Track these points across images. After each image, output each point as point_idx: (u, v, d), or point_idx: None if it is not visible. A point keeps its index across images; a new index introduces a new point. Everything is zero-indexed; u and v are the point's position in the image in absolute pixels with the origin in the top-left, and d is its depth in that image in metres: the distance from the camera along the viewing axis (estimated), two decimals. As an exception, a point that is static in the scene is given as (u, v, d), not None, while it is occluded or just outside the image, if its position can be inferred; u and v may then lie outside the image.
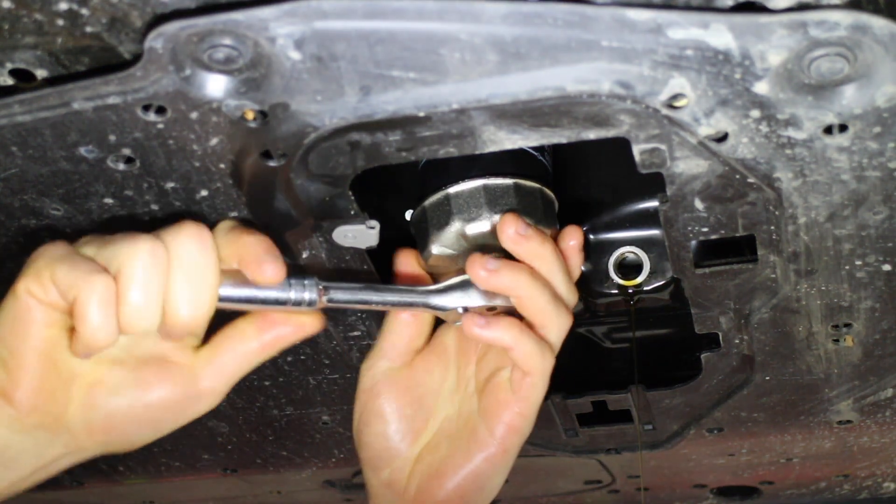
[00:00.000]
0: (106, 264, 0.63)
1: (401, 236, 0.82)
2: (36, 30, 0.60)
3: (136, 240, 0.64)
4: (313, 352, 0.96)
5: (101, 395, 0.68)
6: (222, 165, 0.68)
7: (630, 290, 0.95)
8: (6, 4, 0.58)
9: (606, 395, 1.05)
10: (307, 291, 0.69)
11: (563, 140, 0.68)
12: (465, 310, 0.75)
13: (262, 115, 0.64)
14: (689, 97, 0.62)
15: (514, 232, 0.74)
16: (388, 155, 0.69)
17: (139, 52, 0.60)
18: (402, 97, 0.63)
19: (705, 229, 0.75)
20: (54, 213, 0.73)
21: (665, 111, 0.63)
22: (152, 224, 0.72)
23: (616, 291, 0.96)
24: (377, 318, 0.89)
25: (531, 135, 0.68)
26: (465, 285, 0.76)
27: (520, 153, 0.77)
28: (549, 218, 0.79)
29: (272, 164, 0.68)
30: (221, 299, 0.67)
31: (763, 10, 0.58)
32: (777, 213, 0.73)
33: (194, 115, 0.63)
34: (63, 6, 0.58)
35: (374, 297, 0.74)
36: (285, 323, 0.71)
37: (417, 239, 0.80)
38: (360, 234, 0.77)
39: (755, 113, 0.63)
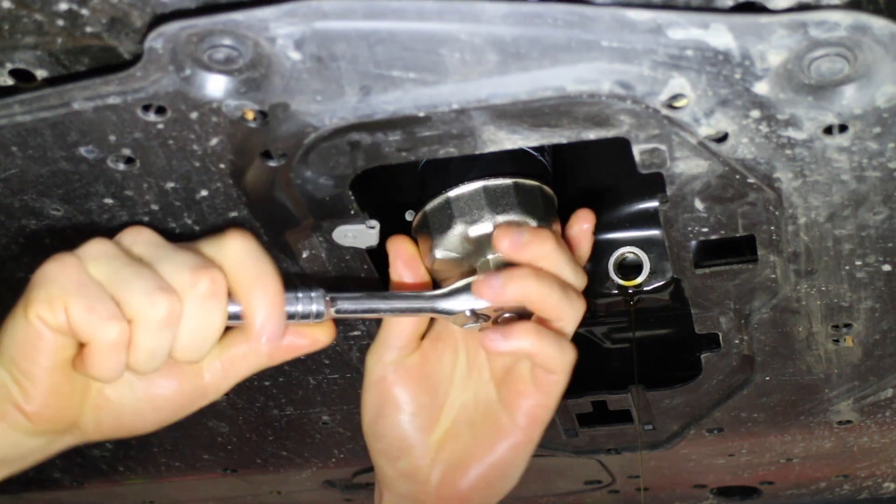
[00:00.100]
0: (118, 299, 0.62)
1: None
2: (36, 30, 0.60)
3: (155, 292, 0.62)
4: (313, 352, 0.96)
5: (111, 396, 0.68)
6: (222, 165, 0.68)
7: (630, 291, 0.95)
8: (6, 4, 0.58)
9: (606, 395, 1.05)
10: (314, 304, 0.69)
11: (563, 140, 0.68)
12: (473, 312, 0.75)
13: (262, 115, 0.64)
14: (689, 97, 0.62)
15: (508, 244, 0.74)
16: (388, 155, 0.69)
17: (139, 52, 0.60)
18: (402, 97, 0.63)
19: (705, 229, 0.75)
20: (54, 214, 0.73)
21: (665, 111, 0.63)
22: (151, 224, 0.71)
23: (616, 292, 0.96)
24: (377, 319, 0.89)
25: (531, 135, 0.68)
26: (471, 288, 0.76)
27: (519, 153, 0.77)
28: (550, 215, 0.79)
29: (272, 164, 0.68)
30: (229, 317, 0.66)
31: (763, 10, 0.58)
32: (777, 213, 0.73)
33: (194, 115, 0.64)
34: (63, 6, 0.58)
35: (382, 305, 0.73)
36: (298, 335, 0.71)
37: (420, 243, 0.80)
38: (360, 234, 0.77)
39: (755, 113, 0.63)
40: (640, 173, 0.69)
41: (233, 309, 0.66)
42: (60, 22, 0.59)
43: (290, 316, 0.69)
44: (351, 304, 0.72)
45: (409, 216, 0.82)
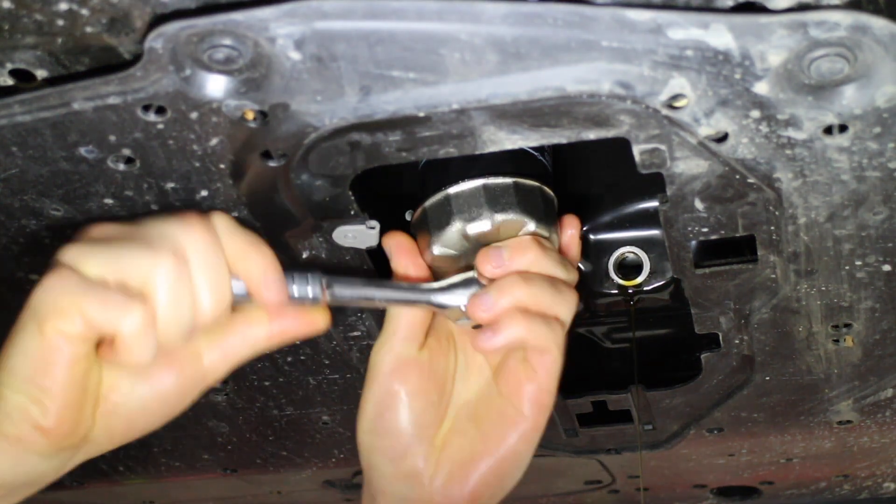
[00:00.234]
0: (125, 280, 0.62)
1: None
2: (36, 30, 0.60)
3: (154, 253, 0.63)
4: (313, 352, 0.96)
5: (119, 400, 0.68)
6: (222, 165, 0.68)
7: (630, 290, 0.95)
8: (6, 4, 0.58)
9: (606, 395, 1.05)
10: (310, 287, 0.69)
11: (563, 140, 0.68)
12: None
13: (262, 115, 0.64)
14: (689, 97, 0.62)
15: (492, 267, 0.75)
16: (388, 155, 0.69)
17: (139, 52, 0.60)
18: (402, 97, 0.63)
19: (705, 229, 0.75)
20: (54, 214, 0.73)
21: (665, 111, 0.63)
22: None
23: (616, 291, 0.96)
24: (377, 319, 0.89)
25: (531, 135, 0.68)
26: (468, 283, 0.76)
27: (520, 153, 0.77)
28: (549, 216, 0.79)
29: (272, 164, 0.68)
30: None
31: (763, 10, 0.58)
32: (777, 213, 0.73)
33: (194, 115, 0.63)
34: (63, 6, 0.58)
35: (377, 294, 0.74)
36: (295, 317, 0.71)
37: (418, 240, 0.80)
38: (360, 234, 0.77)
39: (755, 113, 0.63)
40: (641, 173, 0.69)
41: (234, 287, 0.66)
42: (60, 22, 0.59)
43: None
44: (347, 290, 0.72)
45: (408, 216, 0.82)
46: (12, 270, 0.80)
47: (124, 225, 0.66)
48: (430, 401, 0.79)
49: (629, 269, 0.95)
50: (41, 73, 0.64)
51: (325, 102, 0.63)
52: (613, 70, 0.60)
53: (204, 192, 0.71)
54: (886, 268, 0.78)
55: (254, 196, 0.72)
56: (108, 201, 0.72)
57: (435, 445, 0.79)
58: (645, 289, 0.95)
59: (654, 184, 0.72)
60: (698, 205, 0.73)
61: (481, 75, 0.61)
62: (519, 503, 1.48)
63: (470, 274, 0.76)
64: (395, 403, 0.79)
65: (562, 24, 0.58)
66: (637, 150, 0.67)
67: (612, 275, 0.95)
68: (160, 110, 0.63)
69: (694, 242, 0.78)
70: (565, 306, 0.76)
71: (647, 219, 0.94)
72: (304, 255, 0.80)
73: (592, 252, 0.96)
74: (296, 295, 0.69)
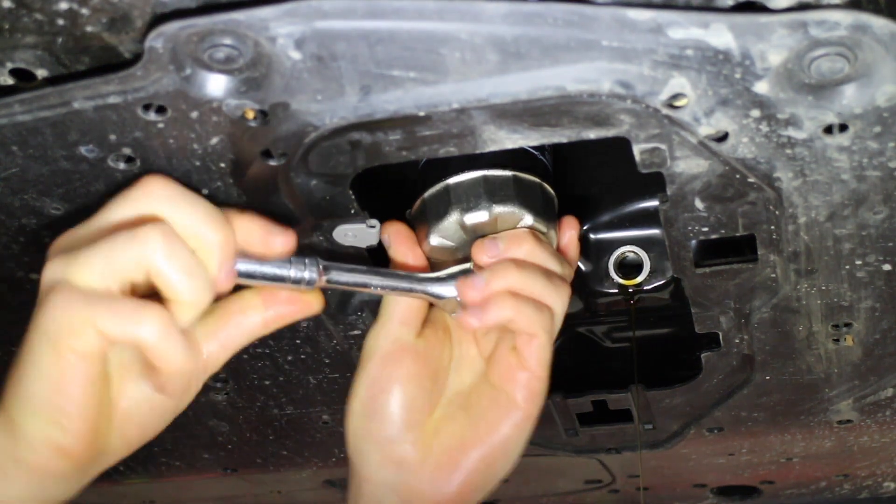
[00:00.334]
0: (123, 271, 0.62)
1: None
2: (36, 29, 0.60)
3: (135, 233, 0.62)
4: (314, 351, 0.96)
5: (129, 404, 0.68)
6: (223, 165, 0.68)
7: (630, 290, 0.95)
8: (6, 4, 0.58)
9: (606, 395, 1.05)
10: (307, 270, 0.70)
11: (564, 139, 0.68)
12: None
13: (263, 114, 0.64)
14: (690, 97, 0.62)
15: (487, 257, 0.75)
16: (388, 154, 0.69)
17: (139, 51, 0.60)
18: (402, 97, 0.63)
19: (705, 229, 0.75)
20: (54, 213, 0.73)
21: (665, 111, 0.63)
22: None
23: (616, 291, 0.96)
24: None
25: (531, 134, 0.68)
26: (464, 274, 0.76)
27: (520, 152, 0.78)
28: (548, 213, 0.79)
29: (272, 163, 0.68)
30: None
31: (763, 9, 0.58)
32: (777, 212, 0.73)
33: (194, 114, 0.64)
34: (63, 5, 0.58)
35: (374, 281, 0.74)
36: (290, 301, 0.71)
37: (417, 231, 0.80)
38: (360, 233, 0.78)
39: (755, 112, 0.63)
40: (641, 173, 0.69)
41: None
42: (61, 21, 0.59)
43: (282, 279, 0.69)
44: (343, 276, 0.72)
45: (409, 215, 0.82)
46: (12, 269, 0.80)
47: (83, 225, 0.65)
48: (422, 387, 0.79)
49: (629, 268, 0.95)
50: (41, 73, 0.64)
51: (325, 102, 0.63)
52: (613, 69, 0.60)
53: (204, 191, 0.71)
54: (887, 267, 0.78)
55: (254, 195, 0.72)
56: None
57: (425, 432, 0.79)
58: (645, 288, 0.95)
59: (655, 183, 0.72)
60: (698, 204, 0.73)
61: (481, 75, 0.61)
62: (519, 503, 1.48)
63: (466, 265, 0.77)
64: (388, 387, 0.78)
65: (562, 23, 0.58)
66: (637, 149, 0.67)
67: (613, 274, 0.95)
68: (160, 109, 0.63)
69: (694, 242, 0.78)
70: (557, 297, 0.76)
71: (648, 218, 0.94)
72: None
73: (592, 251, 0.96)
74: (292, 277, 0.69)
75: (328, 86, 0.62)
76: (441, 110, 0.64)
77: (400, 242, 0.79)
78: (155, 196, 0.64)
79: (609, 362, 1.08)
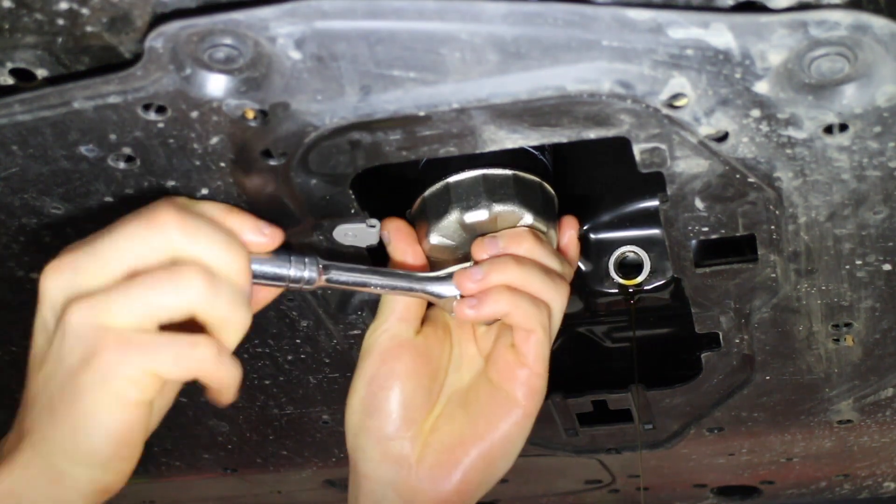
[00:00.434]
0: (165, 315, 0.61)
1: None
2: (36, 29, 0.60)
3: (187, 282, 0.61)
4: (314, 351, 0.96)
5: (153, 421, 0.67)
6: (223, 164, 0.68)
7: (630, 290, 0.95)
8: (6, 4, 0.58)
9: (607, 395, 1.05)
10: (307, 269, 0.70)
11: (564, 139, 0.68)
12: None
13: (263, 114, 0.64)
14: (690, 97, 0.62)
15: (487, 256, 0.75)
16: (388, 154, 0.69)
17: (140, 51, 0.60)
18: (402, 97, 0.63)
19: (705, 229, 0.75)
20: (55, 212, 0.73)
21: (665, 111, 0.63)
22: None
23: (616, 291, 0.96)
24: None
25: (531, 134, 0.68)
26: None
27: (520, 151, 0.78)
28: (548, 213, 0.79)
29: (272, 163, 0.68)
30: None
31: (763, 9, 0.58)
32: (777, 212, 0.73)
33: (195, 114, 0.64)
34: (63, 5, 0.58)
35: (373, 280, 0.74)
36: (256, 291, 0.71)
37: (417, 230, 0.80)
38: (360, 233, 0.78)
39: (755, 112, 0.63)
40: (641, 172, 0.69)
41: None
42: (61, 21, 0.59)
43: (281, 279, 0.69)
44: (343, 275, 0.72)
45: (409, 215, 0.82)
46: (12, 269, 0.80)
47: (91, 254, 0.62)
48: (421, 384, 0.79)
49: (629, 268, 0.95)
50: (41, 73, 0.64)
51: (325, 102, 0.63)
52: (614, 69, 0.60)
53: (204, 191, 0.71)
54: (887, 267, 0.78)
55: (254, 195, 0.72)
56: (109, 200, 0.72)
57: (424, 429, 0.79)
58: (645, 288, 0.95)
59: (655, 183, 0.72)
60: (699, 204, 0.73)
61: (482, 75, 0.61)
62: (519, 503, 1.48)
63: (467, 265, 0.77)
64: (387, 384, 0.78)
65: (562, 23, 0.58)
66: (637, 149, 0.67)
67: (613, 274, 0.95)
68: (160, 109, 0.63)
69: (694, 242, 0.78)
70: (556, 294, 0.76)
71: (648, 218, 0.94)
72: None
73: (593, 251, 0.96)
74: (291, 277, 0.69)
75: (328, 86, 0.62)
76: (441, 110, 0.64)
77: (400, 239, 0.79)
78: (170, 232, 0.62)
79: (609, 362, 1.08)
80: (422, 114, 0.64)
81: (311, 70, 0.61)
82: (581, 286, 0.97)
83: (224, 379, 0.64)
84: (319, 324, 0.91)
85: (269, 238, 0.67)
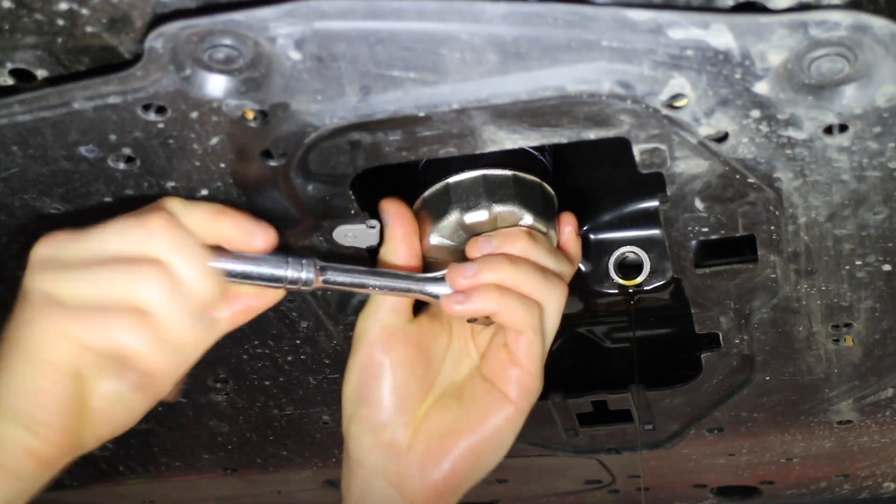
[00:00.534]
0: (112, 299, 0.63)
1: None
2: (36, 30, 0.60)
3: (133, 271, 0.63)
4: (314, 351, 0.96)
5: (103, 404, 0.67)
6: (222, 165, 0.68)
7: (630, 290, 0.95)
8: (6, 4, 0.58)
9: (607, 395, 1.05)
10: (304, 270, 0.70)
11: (564, 140, 0.68)
12: None
13: (263, 114, 0.64)
14: (690, 97, 0.62)
15: (482, 254, 0.75)
16: (388, 154, 0.69)
17: (139, 51, 0.60)
18: (402, 97, 0.63)
19: (705, 229, 0.75)
20: (54, 213, 0.73)
21: (665, 111, 0.63)
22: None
23: (616, 291, 0.96)
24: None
25: (531, 134, 0.68)
26: None
27: (520, 152, 0.78)
28: (548, 213, 0.79)
29: (272, 163, 0.68)
30: (231, 274, 0.68)
31: (763, 10, 0.58)
32: (777, 212, 0.73)
33: (194, 114, 0.64)
34: (63, 6, 0.58)
35: (371, 281, 0.74)
36: (251, 294, 0.71)
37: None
38: (360, 234, 0.78)
39: (755, 113, 0.63)
40: (641, 173, 0.69)
41: (228, 265, 0.67)
42: (61, 21, 0.59)
43: (279, 280, 0.69)
44: (340, 276, 0.72)
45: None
46: (12, 269, 0.80)
47: (75, 238, 0.66)
48: (414, 373, 0.79)
49: (629, 268, 0.95)
50: (41, 73, 0.64)
51: (325, 102, 0.63)
52: (613, 70, 0.60)
53: (204, 191, 0.71)
54: (886, 267, 0.78)
55: (254, 195, 0.72)
56: (109, 200, 0.72)
57: (416, 417, 0.79)
58: (645, 288, 0.95)
59: (655, 183, 0.72)
60: (698, 204, 0.73)
61: (481, 75, 0.61)
62: (519, 503, 1.48)
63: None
64: (379, 372, 0.79)
65: (562, 23, 0.58)
66: (637, 149, 0.67)
67: (613, 274, 0.95)
68: (160, 110, 0.63)
69: (694, 242, 0.78)
70: (550, 294, 0.76)
71: (648, 218, 0.94)
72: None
73: (593, 251, 0.96)
74: (289, 278, 0.69)
75: (328, 86, 0.62)
76: (441, 111, 0.64)
77: (397, 221, 0.78)
78: (156, 238, 0.65)
79: (609, 362, 1.08)
80: (422, 114, 0.64)
81: (311, 70, 0.61)
82: (581, 286, 0.97)
83: (155, 367, 0.64)
84: (319, 324, 0.91)
85: (262, 238, 0.68)
